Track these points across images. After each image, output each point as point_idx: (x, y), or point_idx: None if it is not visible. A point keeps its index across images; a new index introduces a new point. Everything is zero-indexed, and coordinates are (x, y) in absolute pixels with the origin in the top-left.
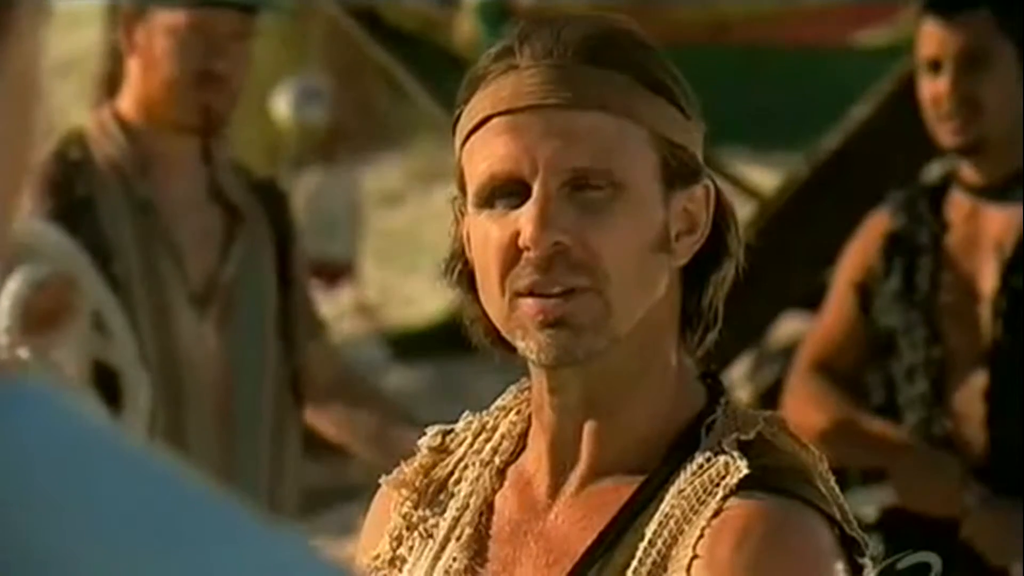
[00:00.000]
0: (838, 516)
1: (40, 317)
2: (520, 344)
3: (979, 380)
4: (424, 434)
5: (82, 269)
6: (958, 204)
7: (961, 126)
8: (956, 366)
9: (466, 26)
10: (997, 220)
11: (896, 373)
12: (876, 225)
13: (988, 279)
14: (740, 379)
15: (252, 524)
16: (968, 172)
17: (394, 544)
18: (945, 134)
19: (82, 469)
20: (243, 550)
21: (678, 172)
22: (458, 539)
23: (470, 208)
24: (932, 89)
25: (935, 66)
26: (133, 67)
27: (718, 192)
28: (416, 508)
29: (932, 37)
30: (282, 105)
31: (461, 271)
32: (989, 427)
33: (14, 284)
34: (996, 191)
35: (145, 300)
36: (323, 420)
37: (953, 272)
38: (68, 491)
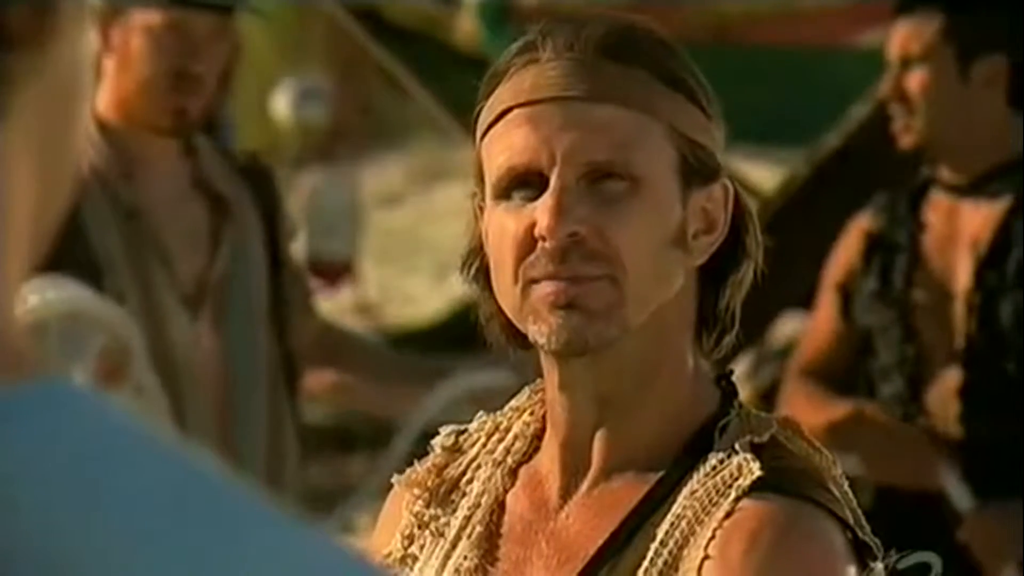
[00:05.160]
0: (850, 520)
1: (98, 384)
2: (532, 329)
3: (953, 377)
4: (438, 433)
5: (134, 338)
6: (937, 203)
7: (905, 127)
8: (931, 364)
9: (467, 25)
10: (973, 218)
11: (873, 372)
12: (858, 226)
13: (962, 276)
14: (740, 379)
15: (278, 518)
16: (946, 171)
17: (405, 543)
18: (898, 134)
19: (107, 467)
20: (271, 544)
21: (697, 170)
22: (469, 538)
23: (488, 201)
24: (883, 90)
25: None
26: (109, 67)
27: (737, 193)
28: (428, 507)
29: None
30: (282, 105)
31: (478, 268)
32: (964, 424)
33: (84, 357)
34: (973, 189)
35: (137, 308)
36: (323, 379)
37: (928, 270)
38: (92, 489)
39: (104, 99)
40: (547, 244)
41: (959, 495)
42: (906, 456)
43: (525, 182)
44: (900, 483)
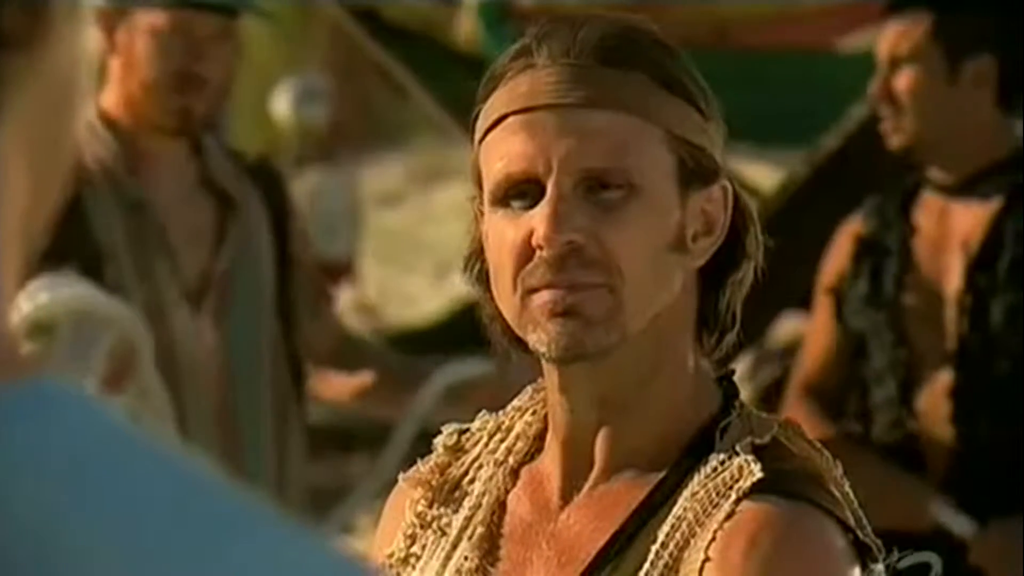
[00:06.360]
0: (851, 521)
1: (107, 384)
2: (532, 338)
3: (945, 379)
4: (440, 431)
5: (141, 338)
6: (928, 205)
7: (895, 127)
8: (923, 367)
9: (466, 25)
10: (964, 218)
11: (867, 376)
12: (849, 230)
13: (954, 278)
14: (740, 379)
15: (272, 521)
16: (936, 172)
17: (408, 542)
18: (887, 135)
19: (101, 467)
20: (264, 547)
21: (695, 172)
22: (470, 538)
23: (487, 207)
24: (872, 90)
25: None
26: (114, 67)
27: (737, 193)
28: (430, 507)
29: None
30: (282, 105)
31: (480, 270)
32: (956, 426)
33: (94, 356)
34: (963, 189)
35: (140, 301)
36: (328, 385)
37: (919, 273)
38: (86, 489)
39: (110, 98)
40: (545, 253)
41: (958, 524)
42: (897, 500)
43: (522, 189)
44: (894, 527)
